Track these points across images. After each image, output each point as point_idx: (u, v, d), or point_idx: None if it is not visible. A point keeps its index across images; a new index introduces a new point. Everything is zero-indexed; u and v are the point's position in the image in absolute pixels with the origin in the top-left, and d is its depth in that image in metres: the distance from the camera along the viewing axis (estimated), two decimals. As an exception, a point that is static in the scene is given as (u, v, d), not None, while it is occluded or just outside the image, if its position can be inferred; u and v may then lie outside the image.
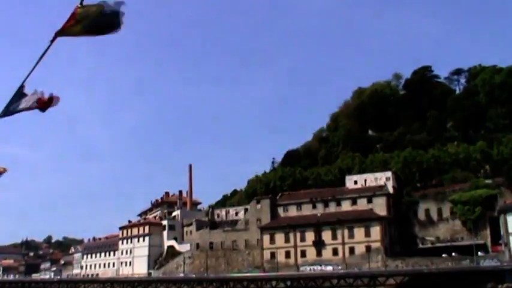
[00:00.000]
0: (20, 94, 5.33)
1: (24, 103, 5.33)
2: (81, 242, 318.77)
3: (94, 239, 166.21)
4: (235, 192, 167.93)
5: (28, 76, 5.06)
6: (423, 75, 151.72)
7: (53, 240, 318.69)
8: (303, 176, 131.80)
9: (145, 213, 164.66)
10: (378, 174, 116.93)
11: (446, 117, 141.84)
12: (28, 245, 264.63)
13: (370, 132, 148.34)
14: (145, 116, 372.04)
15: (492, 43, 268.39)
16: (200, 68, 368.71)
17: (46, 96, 5.51)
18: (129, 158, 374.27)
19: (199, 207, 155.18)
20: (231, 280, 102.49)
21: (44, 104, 5.47)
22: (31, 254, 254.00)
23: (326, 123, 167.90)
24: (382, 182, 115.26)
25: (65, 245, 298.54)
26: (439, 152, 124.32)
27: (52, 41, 4.89)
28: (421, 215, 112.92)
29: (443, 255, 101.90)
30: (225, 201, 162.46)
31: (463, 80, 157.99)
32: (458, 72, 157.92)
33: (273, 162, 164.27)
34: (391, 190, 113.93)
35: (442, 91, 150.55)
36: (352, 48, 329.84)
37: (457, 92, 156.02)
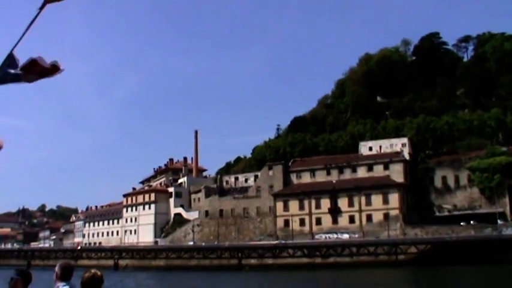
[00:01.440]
0: (10, 63, 4.64)
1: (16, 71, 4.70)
2: (75, 211, 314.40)
3: (96, 207, 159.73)
4: (238, 159, 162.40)
5: (16, 45, 4.49)
6: (431, 41, 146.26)
7: (47, 209, 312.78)
8: (313, 142, 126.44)
9: (148, 180, 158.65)
10: (394, 140, 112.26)
11: (456, 85, 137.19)
12: (23, 213, 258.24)
13: (378, 98, 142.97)
14: (142, 86, 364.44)
15: (499, 10, 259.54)
16: (197, 37, 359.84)
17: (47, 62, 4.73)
18: (126, 127, 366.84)
19: (204, 174, 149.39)
20: (246, 248, 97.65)
21: (44, 71, 4.74)
22: (26, 222, 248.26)
23: (331, 90, 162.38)
24: (397, 149, 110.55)
25: (59, 214, 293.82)
26: (453, 119, 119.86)
27: (41, 8, 4.36)
28: (438, 183, 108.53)
29: (461, 223, 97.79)
30: (229, 169, 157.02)
31: (470, 48, 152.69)
32: (466, 39, 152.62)
33: (277, 129, 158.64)
34: (407, 157, 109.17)
35: (451, 58, 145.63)
36: (356, 14, 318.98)
37: (465, 59, 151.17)
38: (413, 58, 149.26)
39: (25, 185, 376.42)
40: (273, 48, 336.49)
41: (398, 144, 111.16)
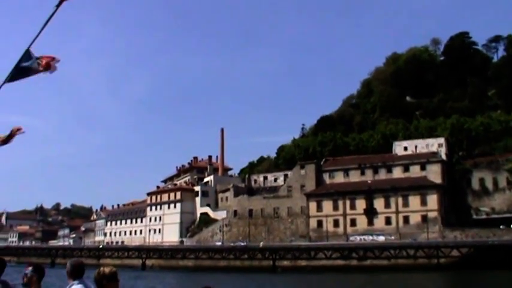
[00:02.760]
0: (26, 59, 4.86)
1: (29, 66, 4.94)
2: (89, 209, 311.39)
3: (118, 205, 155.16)
4: (262, 159, 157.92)
5: (33, 41, 4.61)
6: (462, 41, 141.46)
7: (61, 208, 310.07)
8: (343, 141, 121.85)
9: (171, 179, 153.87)
10: (430, 140, 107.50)
11: (487, 85, 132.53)
12: (41, 211, 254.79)
13: (408, 98, 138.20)
14: (158, 85, 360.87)
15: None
16: (217, 35, 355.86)
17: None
18: (143, 126, 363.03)
19: (229, 173, 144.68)
20: (280, 249, 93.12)
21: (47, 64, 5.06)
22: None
23: (357, 90, 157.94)
24: (434, 149, 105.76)
25: (74, 213, 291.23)
26: (487, 120, 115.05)
27: (58, 6, 4.57)
28: (475, 185, 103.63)
29: (500, 226, 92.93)
30: (252, 169, 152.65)
31: (501, 48, 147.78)
32: (496, 39, 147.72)
33: (302, 129, 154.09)
34: (443, 157, 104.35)
35: (482, 58, 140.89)
36: (381, 14, 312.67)
37: (495, 59, 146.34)
38: (443, 58, 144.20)
39: (40, 184, 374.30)
40: (296, 48, 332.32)
41: (435, 144, 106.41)
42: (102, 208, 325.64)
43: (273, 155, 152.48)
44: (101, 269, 5.79)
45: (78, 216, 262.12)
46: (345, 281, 74.65)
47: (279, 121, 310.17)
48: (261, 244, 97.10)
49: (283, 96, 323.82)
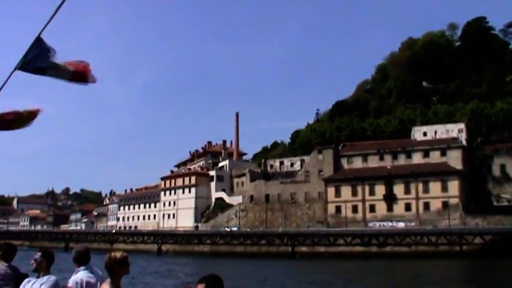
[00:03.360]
0: (39, 45, 4.57)
1: (53, 70, 4.66)
2: (99, 194, 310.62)
3: (131, 189, 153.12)
4: (275, 144, 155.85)
5: (45, 27, 4.42)
6: (480, 26, 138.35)
7: (71, 192, 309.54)
8: (360, 126, 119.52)
9: (184, 164, 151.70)
10: (450, 126, 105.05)
11: (505, 71, 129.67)
12: (52, 196, 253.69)
13: (424, 83, 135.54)
14: (167, 72, 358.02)
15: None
16: (227, 22, 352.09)
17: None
18: (152, 112, 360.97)
19: (244, 158, 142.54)
20: (300, 235, 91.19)
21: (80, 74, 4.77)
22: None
23: (371, 75, 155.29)
24: (454, 134, 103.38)
25: (83, 197, 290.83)
26: (507, 106, 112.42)
27: None
28: (496, 171, 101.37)
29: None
30: (265, 154, 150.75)
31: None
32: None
33: (317, 114, 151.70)
34: (464, 143, 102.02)
35: (499, 43, 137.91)
36: None
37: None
38: (460, 43, 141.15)
39: (49, 169, 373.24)
40: (310, 33, 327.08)
41: (455, 130, 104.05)
42: (112, 193, 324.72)
43: (287, 140, 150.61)
44: (112, 254, 5.79)
45: (88, 201, 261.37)
46: (366, 267, 72.84)
47: (292, 107, 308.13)
48: (280, 229, 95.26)
49: (297, 82, 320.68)
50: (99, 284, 6.14)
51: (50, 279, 6.33)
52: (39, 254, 6.50)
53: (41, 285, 6.26)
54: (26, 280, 6.56)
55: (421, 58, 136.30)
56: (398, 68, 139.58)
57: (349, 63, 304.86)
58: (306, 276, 67.49)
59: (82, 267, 6.32)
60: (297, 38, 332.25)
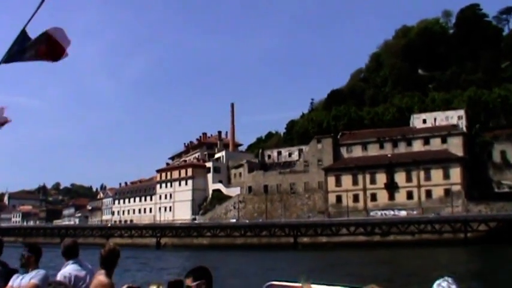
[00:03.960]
0: (23, 39, 4.57)
1: (30, 50, 4.63)
2: (89, 189, 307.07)
3: (126, 183, 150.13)
4: (270, 135, 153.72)
5: (30, 20, 4.39)
6: (474, 13, 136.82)
7: (61, 187, 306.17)
8: (358, 115, 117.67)
9: (179, 156, 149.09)
10: (449, 113, 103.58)
11: (499, 57, 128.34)
12: (44, 191, 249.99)
13: (420, 71, 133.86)
14: (156, 65, 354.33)
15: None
16: (217, 14, 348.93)
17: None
18: (142, 106, 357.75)
19: (240, 149, 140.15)
20: (302, 225, 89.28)
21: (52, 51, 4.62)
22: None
23: (365, 64, 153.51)
24: (453, 121, 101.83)
25: (74, 192, 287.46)
26: (505, 92, 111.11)
27: None
28: (496, 157, 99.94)
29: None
30: (259, 144, 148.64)
31: None
32: (508, 11, 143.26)
33: (311, 104, 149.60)
34: (464, 130, 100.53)
35: (494, 30, 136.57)
36: None
37: (505, 31, 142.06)
38: (454, 30, 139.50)
39: (38, 164, 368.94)
40: (301, 23, 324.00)
41: (454, 117, 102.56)
42: (103, 187, 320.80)
43: (281, 130, 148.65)
44: (107, 246, 5.86)
45: (78, 196, 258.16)
46: (372, 257, 71.17)
47: (285, 97, 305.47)
48: (283, 220, 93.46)
49: (290, 72, 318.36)
50: (88, 277, 6.16)
51: (39, 273, 6.23)
52: (26, 249, 6.44)
53: (30, 279, 6.17)
54: (15, 275, 6.46)
55: (415, 46, 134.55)
56: (393, 56, 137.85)
57: (342, 52, 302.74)
58: (312, 265, 65.78)
59: (71, 261, 6.29)
60: (290, 28, 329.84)
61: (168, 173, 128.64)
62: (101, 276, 5.76)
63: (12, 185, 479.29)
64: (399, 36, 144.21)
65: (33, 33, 4.46)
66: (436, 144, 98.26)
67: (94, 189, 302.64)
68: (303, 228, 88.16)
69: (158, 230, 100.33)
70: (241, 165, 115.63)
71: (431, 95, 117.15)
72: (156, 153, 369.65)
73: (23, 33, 4.41)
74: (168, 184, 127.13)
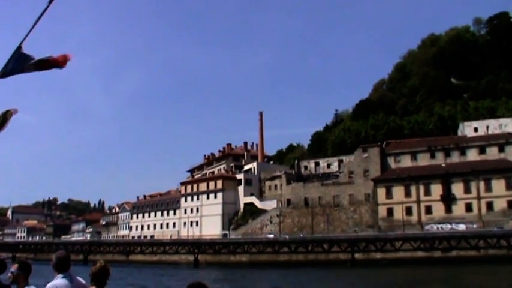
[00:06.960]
0: (18, 55, 4.51)
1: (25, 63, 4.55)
2: (87, 204, 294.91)
3: (145, 196, 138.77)
4: (291, 147, 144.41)
5: (26, 36, 4.38)
6: (507, 20, 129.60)
7: (58, 203, 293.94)
8: (397, 124, 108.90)
9: (200, 168, 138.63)
10: (503, 120, 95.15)
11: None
12: (49, 205, 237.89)
13: (453, 80, 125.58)
14: (151, 81, 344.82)
15: None
16: (218, 31, 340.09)
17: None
18: (134, 121, 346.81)
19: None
20: (359, 240, 79.58)
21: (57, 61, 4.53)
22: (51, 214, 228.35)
23: (388, 74, 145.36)
24: (509, 129, 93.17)
25: (71, 207, 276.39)
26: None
27: (50, 2, 4.29)
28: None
29: None
30: (281, 157, 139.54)
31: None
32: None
33: (335, 115, 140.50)
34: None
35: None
36: None
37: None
38: (487, 38, 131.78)
39: (34, 179, 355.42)
40: (318, 31, 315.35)
41: (509, 125, 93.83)
42: (100, 202, 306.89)
43: (303, 143, 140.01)
44: (98, 264, 5.65)
45: (75, 211, 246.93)
46: (437, 274, 62.49)
47: (303, 110, 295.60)
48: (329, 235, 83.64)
49: (306, 85, 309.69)
50: None
51: None
52: (15, 266, 6.09)
53: None
54: None
55: (446, 54, 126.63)
56: (422, 65, 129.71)
57: (357, 66, 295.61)
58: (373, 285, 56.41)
59: (60, 275, 5.84)
60: (296, 43, 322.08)
61: (195, 186, 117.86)
62: None
63: (6, 200, 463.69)
64: (427, 45, 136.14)
65: (28, 49, 4.37)
66: (492, 153, 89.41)
67: (92, 205, 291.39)
68: (361, 244, 78.42)
69: (195, 246, 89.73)
70: (276, 177, 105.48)
71: (473, 104, 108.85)
72: (158, 167, 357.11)
73: (18, 50, 4.30)
74: (195, 197, 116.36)
